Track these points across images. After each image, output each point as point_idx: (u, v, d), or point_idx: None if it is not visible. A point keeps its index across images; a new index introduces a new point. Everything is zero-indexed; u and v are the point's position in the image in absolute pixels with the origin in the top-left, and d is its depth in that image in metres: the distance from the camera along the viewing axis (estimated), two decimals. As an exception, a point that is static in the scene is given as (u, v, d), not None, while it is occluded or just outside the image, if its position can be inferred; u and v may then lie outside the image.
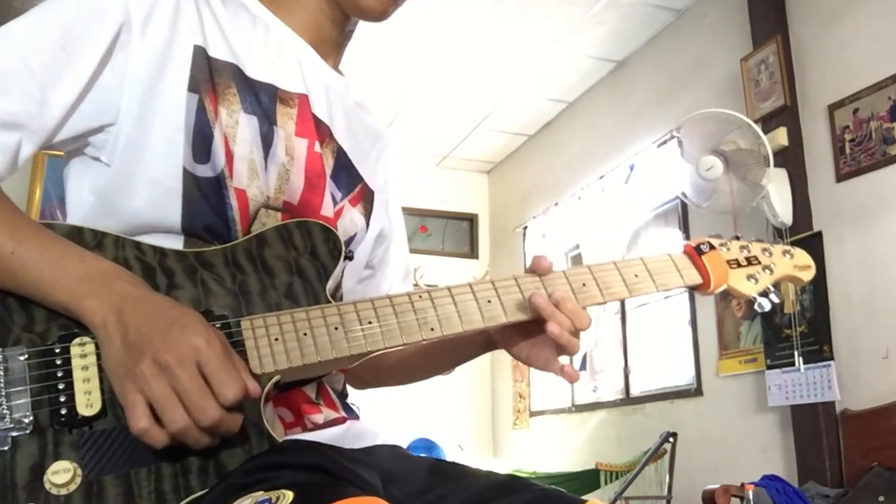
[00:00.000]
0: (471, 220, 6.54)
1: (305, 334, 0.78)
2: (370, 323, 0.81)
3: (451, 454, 5.12)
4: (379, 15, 0.95)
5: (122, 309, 0.69)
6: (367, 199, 1.01)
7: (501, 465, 5.35)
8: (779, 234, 3.42)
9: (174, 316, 0.69)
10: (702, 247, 0.98)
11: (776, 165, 3.24)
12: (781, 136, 3.43)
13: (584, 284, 0.91)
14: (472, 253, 6.45)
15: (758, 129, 3.26)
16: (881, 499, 2.75)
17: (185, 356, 0.67)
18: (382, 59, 4.66)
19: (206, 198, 0.82)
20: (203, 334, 0.69)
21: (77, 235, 0.77)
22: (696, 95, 4.19)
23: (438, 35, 4.57)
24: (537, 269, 0.88)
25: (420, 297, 0.84)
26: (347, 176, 0.98)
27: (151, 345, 0.67)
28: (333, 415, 0.92)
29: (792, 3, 3.63)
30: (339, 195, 0.96)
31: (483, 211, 6.57)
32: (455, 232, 6.50)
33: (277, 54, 0.92)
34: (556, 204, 5.41)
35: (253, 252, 0.82)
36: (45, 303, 0.72)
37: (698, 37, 4.28)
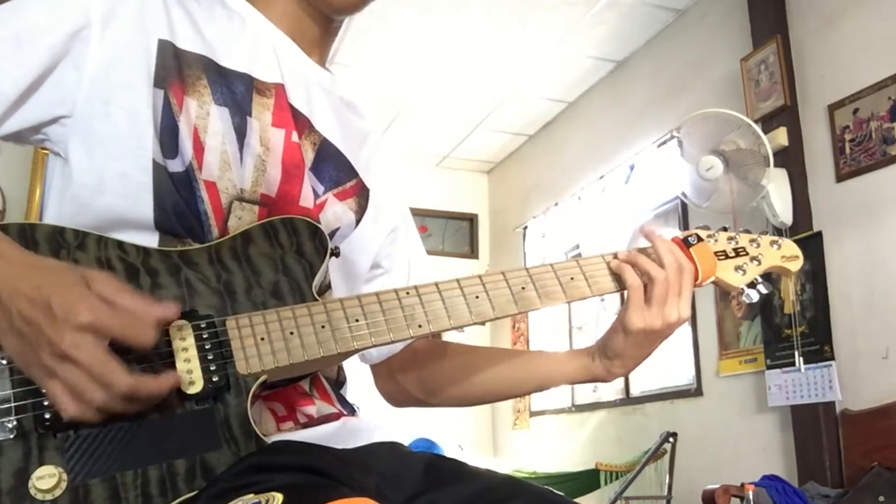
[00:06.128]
0: (471, 220, 6.54)
1: (292, 333, 0.78)
2: (357, 321, 0.80)
3: (450, 454, 5.11)
4: (349, 9, 0.96)
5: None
6: (361, 196, 0.99)
7: (501, 465, 5.34)
8: (779, 234, 3.41)
9: (49, 293, 0.67)
10: (690, 239, 0.98)
11: (776, 165, 3.23)
12: (781, 136, 3.42)
13: (571, 278, 0.91)
14: (472, 253, 6.45)
15: (758, 129, 3.25)
16: (881, 499, 2.75)
17: (79, 339, 0.66)
18: (382, 59, 4.66)
19: (178, 192, 0.82)
20: (86, 305, 0.67)
21: (59, 235, 0.76)
22: (696, 95, 4.18)
23: (438, 35, 4.57)
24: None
25: (407, 293, 0.83)
26: (336, 169, 0.96)
27: (43, 335, 0.66)
28: (328, 408, 0.91)
29: (792, 3, 3.62)
30: (320, 188, 0.94)
31: (483, 211, 6.57)
32: (455, 232, 6.50)
33: (253, 45, 0.92)
34: (556, 204, 5.40)
35: (238, 250, 0.82)
36: None
37: (698, 37, 4.28)
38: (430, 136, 5.89)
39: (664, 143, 4.31)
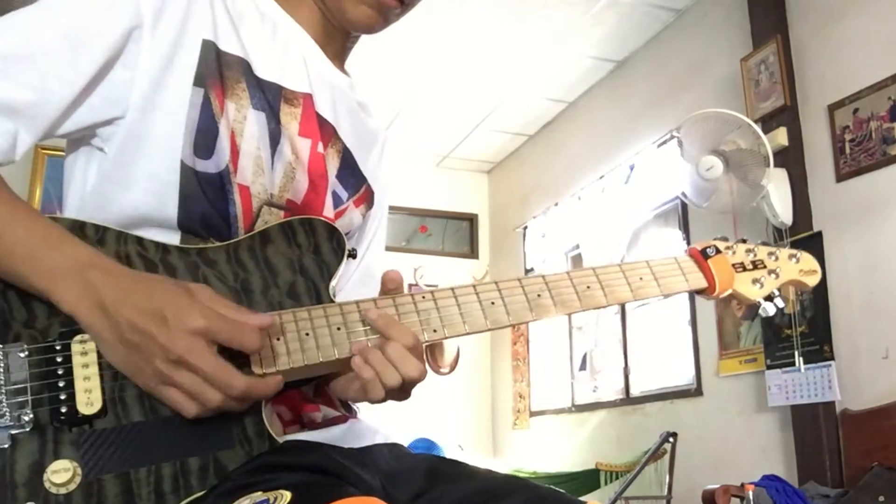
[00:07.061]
0: (471, 220, 6.54)
1: (308, 334, 0.78)
2: None
3: (451, 454, 5.12)
4: (366, 29, 0.95)
5: (104, 303, 0.68)
6: (368, 200, 1.02)
7: (501, 465, 5.34)
8: (779, 234, 3.41)
9: (160, 303, 0.69)
10: (707, 250, 0.98)
11: (776, 165, 3.24)
12: (781, 136, 3.42)
13: (588, 287, 0.90)
14: (472, 253, 6.45)
15: (758, 129, 3.26)
16: (881, 499, 2.75)
17: (193, 345, 0.68)
18: (383, 59, 4.66)
19: (204, 193, 0.82)
20: (198, 311, 0.69)
21: (79, 230, 0.76)
22: (696, 95, 4.18)
23: (439, 35, 4.57)
24: (385, 285, 0.84)
25: (423, 297, 0.83)
26: (353, 176, 0.98)
27: (155, 343, 0.67)
28: (333, 413, 0.91)
29: (792, 3, 3.63)
30: (344, 195, 0.96)
31: (483, 211, 6.57)
32: (455, 232, 6.50)
33: (283, 52, 0.92)
34: (556, 204, 5.41)
35: (256, 249, 0.82)
36: (25, 288, 0.71)
37: (698, 37, 4.28)
38: (430, 136, 5.89)
39: (664, 143, 4.31)
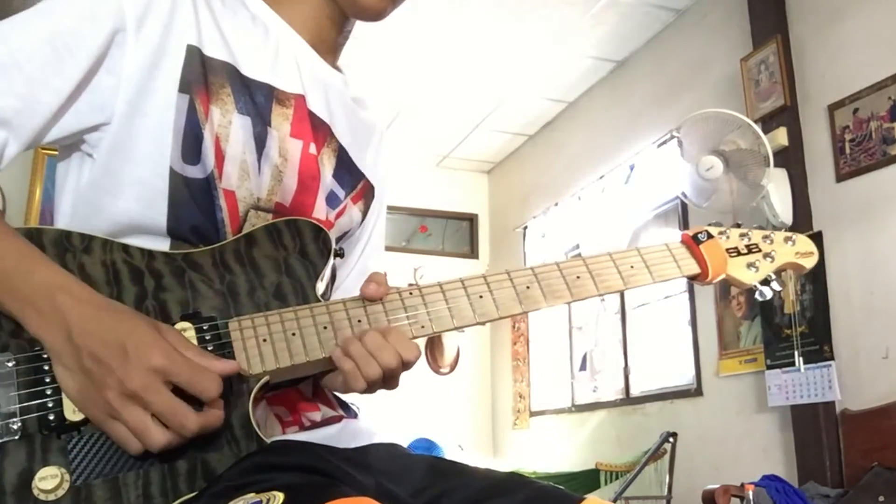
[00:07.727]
0: (471, 220, 6.54)
1: (294, 334, 0.78)
2: (359, 321, 0.80)
3: (451, 454, 5.12)
4: (376, 14, 0.95)
5: (70, 329, 0.68)
6: (367, 195, 1.01)
7: (501, 466, 5.34)
8: (779, 234, 3.41)
9: (124, 335, 0.68)
10: (699, 236, 0.97)
11: (776, 165, 3.24)
12: (781, 136, 3.42)
13: (577, 277, 0.89)
14: (472, 253, 6.45)
15: (758, 129, 3.26)
16: (881, 499, 2.75)
17: (150, 381, 0.67)
18: (383, 59, 4.66)
19: (194, 199, 0.82)
20: (160, 349, 0.68)
21: (65, 239, 0.76)
22: (696, 95, 4.18)
23: (439, 35, 4.57)
24: (365, 296, 0.82)
25: (411, 293, 0.83)
26: (349, 174, 0.98)
27: (112, 375, 0.66)
28: (331, 412, 0.91)
29: (792, 3, 3.62)
30: (341, 194, 0.95)
31: (483, 211, 6.57)
32: (455, 232, 6.50)
33: (275, 54, 0.92)
34: (556, 204, 5.40)
35: (242, 252, 0.82)
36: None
37: (698, 37, 4.28)
38: (430, 136, 5.89)
39: (664, 143, 4.31)
